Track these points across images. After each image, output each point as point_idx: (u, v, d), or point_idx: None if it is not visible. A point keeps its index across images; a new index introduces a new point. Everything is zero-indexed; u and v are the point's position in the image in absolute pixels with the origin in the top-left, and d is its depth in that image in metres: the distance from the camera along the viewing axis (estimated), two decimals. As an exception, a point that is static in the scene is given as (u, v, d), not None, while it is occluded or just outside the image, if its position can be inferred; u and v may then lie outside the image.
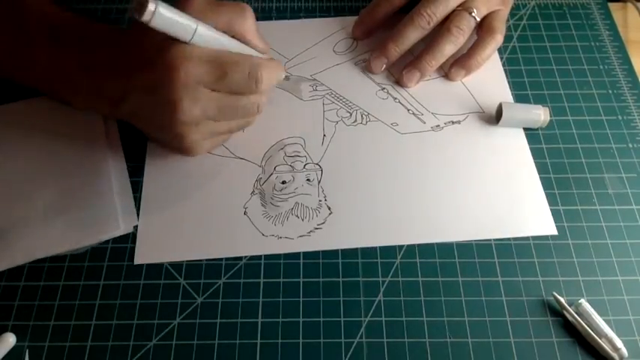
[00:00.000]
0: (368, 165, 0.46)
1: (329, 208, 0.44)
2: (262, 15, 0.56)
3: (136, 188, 0.45)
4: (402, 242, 0.42)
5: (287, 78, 0.47)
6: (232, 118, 0.42)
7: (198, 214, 0.44)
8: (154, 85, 0.38)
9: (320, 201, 0.44)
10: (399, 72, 0.50)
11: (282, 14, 0.57)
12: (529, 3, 0.58)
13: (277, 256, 0.42)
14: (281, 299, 0.40)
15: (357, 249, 0.42)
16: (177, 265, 0.42)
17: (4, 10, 0.44)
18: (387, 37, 0.50)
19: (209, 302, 0.40)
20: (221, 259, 0.42)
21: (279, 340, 0.39)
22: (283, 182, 0.45)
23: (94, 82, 0.42)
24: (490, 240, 0.43)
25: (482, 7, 0.49)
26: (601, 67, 0.53)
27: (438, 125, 0.49)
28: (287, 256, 0.42)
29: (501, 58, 0.53)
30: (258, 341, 0.39)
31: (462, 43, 0.49)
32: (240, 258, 0.42)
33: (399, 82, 0.51)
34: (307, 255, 0.42)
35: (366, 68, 0.51)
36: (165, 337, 0.39)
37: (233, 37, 0.40)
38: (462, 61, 0.50)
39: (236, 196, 0.45)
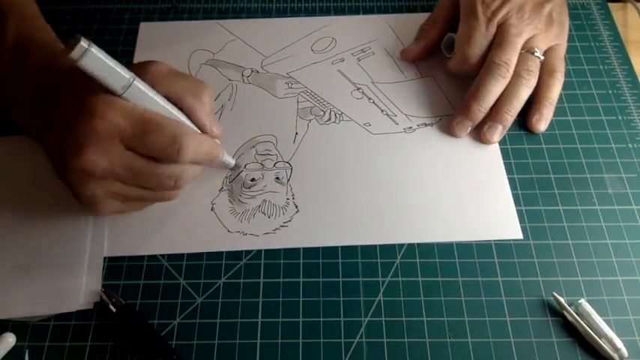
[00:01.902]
0: (337, 164, 0.46)
1: (296, 207, 0.44)
2: (262, 15, 0.57)
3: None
4: (366, 242, 0.43)
5: (235, 167, 0.45)
6: (145, 185, 0.38)
7: (166, 209, 0.44)
8: (69, 124, 0.36)
9: (288, 199, 0.45)
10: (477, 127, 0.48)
11: (282, 14, 0.57)
12: (529, 3, 0.58)
13: (277, 256, 0.42)
14: (281, 299, 0.40)
15: (357, 248, 0.42)
16: (177, 266, 0.42)
17: None
18: (468, 97, 0.47)
19: (209, 302, 0.40)
20: (221, 259, 0.42)
21: (279, 340, 0.39)
22: (252, 180, 0.45)
23: (33, 106, 0.41)
24: (490, 240, 0.43)
25: (542, 45, 0.48)
26: (601, 67, 0.53)
27: (411, 127, 0.49)
28: (287, 256, 0.42)
29: (501, 58, 0.53)
30: (258, 341, 0.39)
31: (534, 85, 0.47)
32: (240, 258, 0.42)
33: (480, 139, 0.47)
34: (307, 255, 0.42)
35: (452, 132, 0.47)
36: (165, 337, 0.39)
37: (181, 110, 0.38)
38: (534, 110, 0.48)
39: (205, 192, 0.45)
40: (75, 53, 0.32)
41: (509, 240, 0.43)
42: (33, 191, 0.45)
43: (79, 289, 0.40)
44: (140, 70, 0.37)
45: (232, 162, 0.44)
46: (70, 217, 0.43)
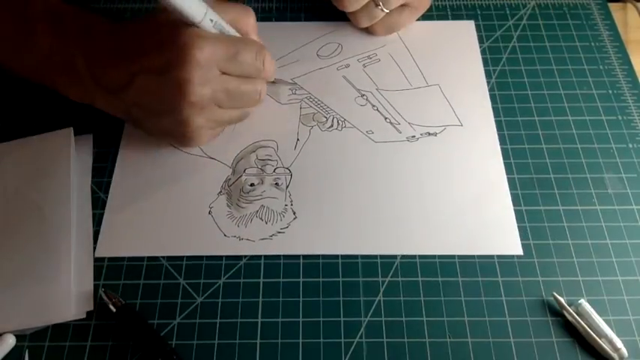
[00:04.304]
0: (338, 172, 0.46)
1: (294, 213, 0.44)
2: (262, 15, 0.57)
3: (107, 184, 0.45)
4: (365, 252, 0.42)
5: (274, 81, 0.48)
6: (237, 104, 0.43)
7: (163, 210, 0.44)
8: (165, 65, 0.38)
9: (286, 205, 0.44)
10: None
11: (282, 14, 0.57)
12: (529, 3, 0.58)
13: (277, 256, 0.42)
14: (281, 299, 0.40)
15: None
16: (177, 265, 0.42)
17: None
18: None
19: (209, 302, 0.40)
20: (221, 259, 0.42)
21: (279, 340, 0.39)
22: (251, 185, 0.45)
23: (97, 70, 0.41)
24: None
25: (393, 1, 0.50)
26: (601, 67, 0.53)
27: (414, 136, 0.48)
28: (287, 256, 0.42)
29: (501, 59, 0.53)
30: (258, 341, 0.39)
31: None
32: (240, 258, 0.42)
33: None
34: (307, 255, 0.42)
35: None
36: (165, 337, 0.39)
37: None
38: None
39: (203, 195, 0.45)
40: None
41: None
42: (12, 201, 0.43)
43: (68, 300, 0.40)
44: None
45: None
46: (52, 225, 0.42)
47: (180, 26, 0.39)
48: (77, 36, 0.42)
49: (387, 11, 0.50)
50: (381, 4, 0.50)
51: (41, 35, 0.42)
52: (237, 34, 0.42)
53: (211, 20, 0.39)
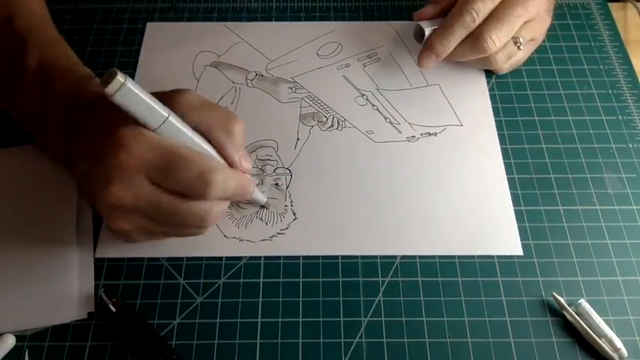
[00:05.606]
0: (338, 172, 0.46)
1: (294, 214, 0.44)
2: (262, 15, 0.57)
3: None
4: (365, 252, 0.42)
5: (266, 205, 0.44)
6: (171, 223, 0.37)
7: None
8: (96, 157, 0.35)
9: (286, 206, 0.44)
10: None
11: (282, 14, 0.57)
12: (529, 3, 0.58)
13: (277, 256, 0.42)
14: (281, 299, 0.40)
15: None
16: (177, 265, 0.42)
17: (4, 41, 0.43)
18: (435, 34, 0.48)
19: (209, 302, 0.40)
20: (221, 259, 0.42)
21: (279, 340, 0.39)
22: None
23: (61, 135, 0.40)
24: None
25: (529, 35, 0.49)
26: (601, 67, 0.53)
27: (414, 136, 0.48)
28: (287, 256, 0.42)
29: (501, 58, 0.53)
30: (258, 341, 0.39)
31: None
32: (240, 258, 0.42)
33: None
34: (307, 255, 0.42)
35: (418, 64, 0.49)
36: (165, 337, 0.39)
37: (210, 142, 0.37)
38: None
39: None
40: (110, 88, 0.31)
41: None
42: (16, 203, 0.44)
43: (71, 301, 0.40)
44: (170, 99, 0.36)
45: (263, 199, 0.43)
46: (55, 227, 0.42)
47: (123, 122, 0.34)
48: (58, 104, 0.40)
49: (522, 48, 0.48)
50: (520, 41, 0.48)
51: (30, 91, 0.41)
52: (205, 147, 0.36)
53: (171, 127, 0.35)
